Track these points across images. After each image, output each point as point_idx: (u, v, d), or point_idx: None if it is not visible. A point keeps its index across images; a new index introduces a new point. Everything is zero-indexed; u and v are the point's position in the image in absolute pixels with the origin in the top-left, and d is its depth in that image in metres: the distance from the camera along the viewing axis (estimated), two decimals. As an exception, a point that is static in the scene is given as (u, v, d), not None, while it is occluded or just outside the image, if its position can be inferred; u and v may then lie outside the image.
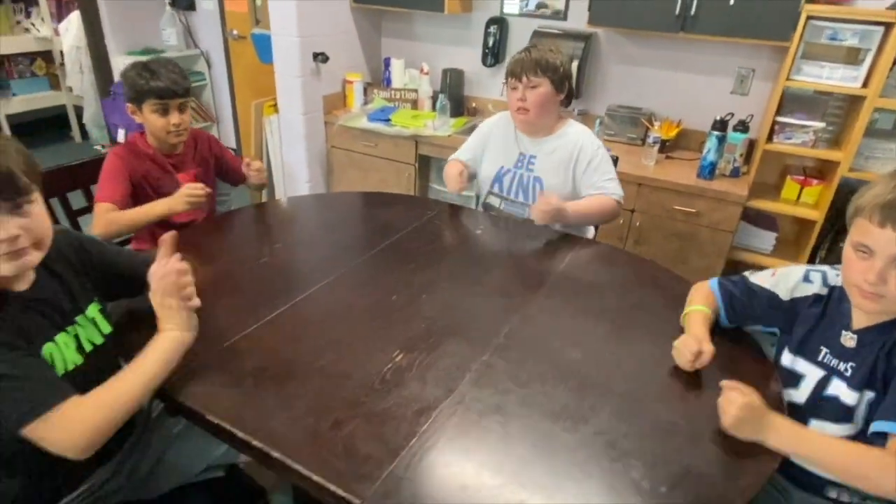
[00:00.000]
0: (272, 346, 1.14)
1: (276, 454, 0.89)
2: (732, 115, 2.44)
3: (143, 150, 1.66)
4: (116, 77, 3.87)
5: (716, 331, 1.23)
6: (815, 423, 1.06)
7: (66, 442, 0.83)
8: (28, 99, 4.43)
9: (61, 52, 4.32)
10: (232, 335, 1.15)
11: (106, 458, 1.06)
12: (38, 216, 0.88)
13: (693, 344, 1.10)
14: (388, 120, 3.03)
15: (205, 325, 1.06)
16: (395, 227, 1.67)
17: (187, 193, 1.56)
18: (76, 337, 0.98)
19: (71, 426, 0.83)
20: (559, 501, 0.84)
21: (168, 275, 0.98)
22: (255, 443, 0.91)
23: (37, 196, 0.88)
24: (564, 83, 1.72)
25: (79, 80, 4.06)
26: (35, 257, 0.89)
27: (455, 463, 0.90)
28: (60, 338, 0.95)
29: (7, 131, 4.26)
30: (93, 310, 1.04)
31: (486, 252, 1.67)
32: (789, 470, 1.09)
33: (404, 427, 0.95)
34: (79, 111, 4.51)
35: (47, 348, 0.92)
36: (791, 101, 2.32)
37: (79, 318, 1.00)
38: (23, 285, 0.92)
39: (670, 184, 2.41)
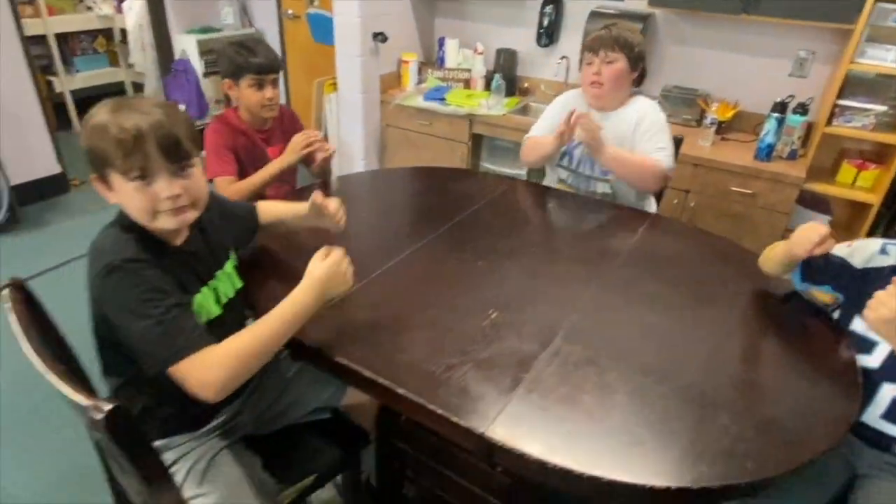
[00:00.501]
0: (379, 302, 1.26)
1: (401, 391, 1.00)
2: (793, 97, 2.46)
3: (237, 125, 1.78)
4: (177, 55, 4.02)
5: (787, 299, 1.31)
6: (888, 387, 1.13)
7: (202, 385, 0.92)
8: (90, 75, 4.62)
9: (122, 30, 4.49)
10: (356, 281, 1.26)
11: (235, 397, 1.19)
12: (197, 178, 0.99)
13: (822, 228, 1.17)
14: (444, 99, 3.12)
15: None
16: (471, 199, 1.77)
17: (301, 143, 1.72)
18: (215, 290, 1.10)
19: (208, 372, 0.92)
20: (658, 440, 0.94)
21: (343, 263, 1.08)
22: (382, 381, 1.02)
23: (196, 160, 1.00)
24: (639, 63, 1.78)
25: (141, 57, 4.22)
26: (192, 215, 1.00)
27: (560, 406, 1.00)
28: (204, 290, 1.07)
29: (71, 107, 4.47)
30: (229, 265, 1.16)
31: (561, 224, 1.77)
32: (859, 429, 1.17)
33: (509, 373, 1.06)
34: (137, 87, 4.69)
35: (196, 299, 1.03)
36: (853, 85, 2.33)
37: (219, 273, 1.12)
38: (178, 240, 1.04)
39: (727, 165, 2.45)
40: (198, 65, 3.92)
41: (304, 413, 1.31)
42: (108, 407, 0.76)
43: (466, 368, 1.06)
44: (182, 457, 1.08)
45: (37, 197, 3.37)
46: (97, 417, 0.75)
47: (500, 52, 3.21)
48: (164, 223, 0.97)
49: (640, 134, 1.79)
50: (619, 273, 1.42)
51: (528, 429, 0.94)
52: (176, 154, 0.94)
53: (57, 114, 4.17)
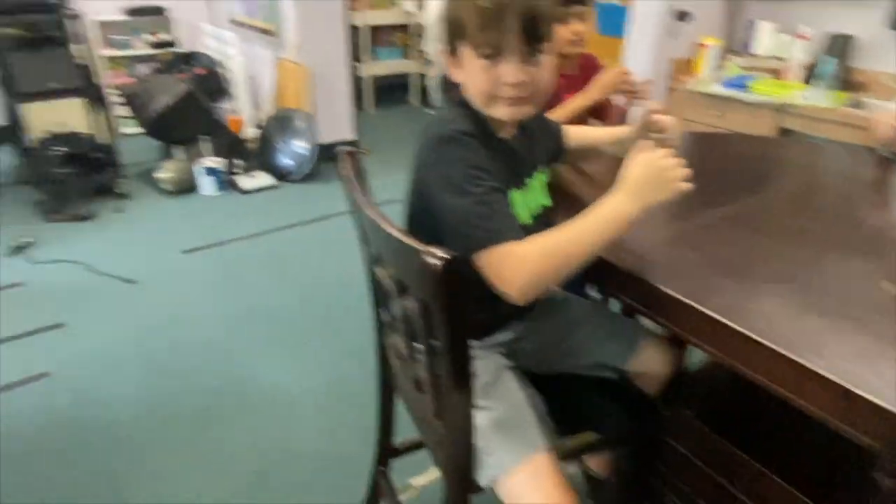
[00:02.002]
0: (726, 241, 1.02)
1: (770, 344, 0.75)
2: None
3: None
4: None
5: None
6: None
7: (511, 276, 0.80)
8: (385, 64, 5.23)
9: (418, 25, 4.99)
10: (682, 221, 1.07)
11: (518, 319, 1.07)
12: (545, 70, 0.88)
13: None
14: (746, 87, 2.70)
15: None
16: (816, 168, 1.41)
17: (612, 80, 1.53)
18: (526, 196, 0.99)
19: (518, 265, 0.80)
20: None
21: (665, 160, 0.86)
22: (737, 327, 0.78)
23: (549, 48, 0.88)
24: None
25: (433, 47, 4.63)
26: (527, 110, 0.90)
27: None
28: (518, 191, 0.96)
29: (371, 91, 5.10)
30: (541, 177, 1.04)
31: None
32: None
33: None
34: (420, 78, 5.17)
35: (510, 195, 0.93)
36: None
37: (529, 182, 1.01)
38: (504, 133, 0.95)
39: None
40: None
41: (587, 364, 1.13)
42: (446, 255, 0.67)
43: (859, 339, 0.76)
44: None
45: (333, 157, 3.86)
46: (433, 262, 0.67)
47: (833, 37, 2.66)
48: (499, 111, 0.88)
49: None
50: None
51: None
52: (534, 33, 0.83)
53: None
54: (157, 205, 3.27)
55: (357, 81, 4.93)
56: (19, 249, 2.72)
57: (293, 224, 3.07)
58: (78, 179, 3.15)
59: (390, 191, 3.72)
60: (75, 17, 3.08)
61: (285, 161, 3.56)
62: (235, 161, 3.49)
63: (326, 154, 3.77)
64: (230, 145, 3.50)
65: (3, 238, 2.80)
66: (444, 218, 0.85)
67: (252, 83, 4.11)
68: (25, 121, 3.14)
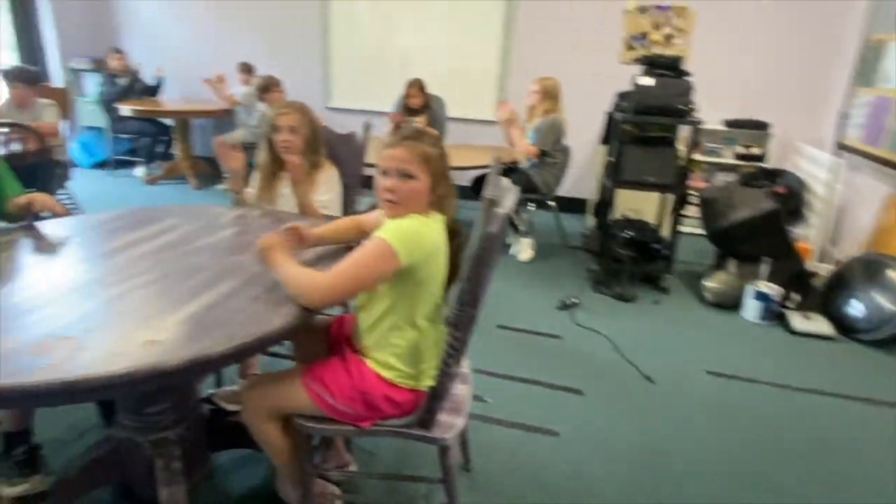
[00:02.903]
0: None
1: None
2: None
3: None
4: None
5: None
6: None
7: None
8: None
9: None
10: None
11: None
12: None
13: None
14: None
15: None
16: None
17: None
18: None
19: None
20: None
21: None
22: None
23: None
24: None
25: None
26: None
27: None
28: None
29: None
30: None
31: None
32: None
33: None
34: None
35: None
36: None
37: None
38: None
39: None
40: None
41: None
42: None
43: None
44: None
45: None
46: None
47: None
48: None
49: None
50: None
51: None
52: None
53: None
54: (694, 311, 3.18)
55: None
56: (566, 307, 3.10)
57: (848, 395, 2.41)
58: (632, 262, 3.39)
59: None
60: (698, 124, 3.27)
61: (857, 313, 2.88)
62: (793, 294, 3.05)
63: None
64: (794, 275, 3.09)
65: (558, 293, 3.25)
66: None
67: (840, 214, 3.55)
68: (612, 202, 3.59)
